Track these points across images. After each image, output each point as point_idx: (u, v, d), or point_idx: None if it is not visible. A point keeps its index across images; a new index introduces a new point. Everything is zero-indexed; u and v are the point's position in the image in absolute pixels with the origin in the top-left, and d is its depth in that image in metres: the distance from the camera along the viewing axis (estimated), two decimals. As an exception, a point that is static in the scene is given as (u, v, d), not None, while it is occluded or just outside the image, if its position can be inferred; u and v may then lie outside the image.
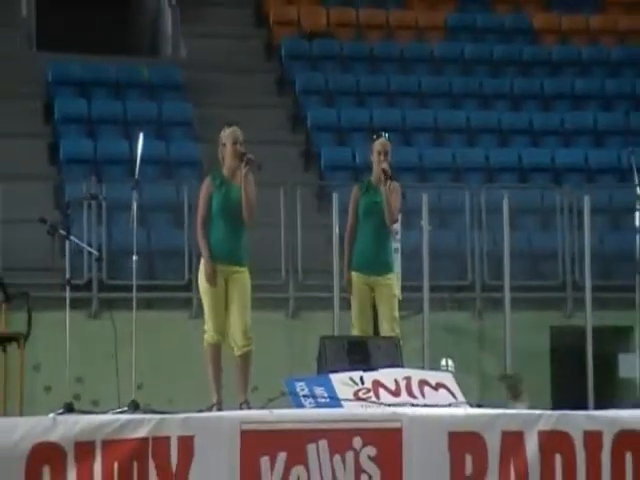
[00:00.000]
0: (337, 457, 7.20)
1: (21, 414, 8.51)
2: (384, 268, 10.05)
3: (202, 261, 9.29)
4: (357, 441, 7.24)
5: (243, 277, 9.33)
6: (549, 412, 7.80)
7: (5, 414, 8.62)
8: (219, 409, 8.61)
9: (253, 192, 9.34)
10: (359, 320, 9.83)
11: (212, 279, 9.15)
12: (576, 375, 14.70)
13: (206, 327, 9.22)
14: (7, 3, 20.24)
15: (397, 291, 10.28)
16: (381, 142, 10.08)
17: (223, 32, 20.70)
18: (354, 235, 10.02)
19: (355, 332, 9.78)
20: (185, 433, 7.06)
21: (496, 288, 15.39)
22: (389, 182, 9.91)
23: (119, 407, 7.92)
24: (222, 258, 9.25)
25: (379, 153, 10.02)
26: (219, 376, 9.17)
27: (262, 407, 8.07)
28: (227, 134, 9.42)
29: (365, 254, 9.92)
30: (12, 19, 20.14)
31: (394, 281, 10.22)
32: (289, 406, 7.73)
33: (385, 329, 9.77)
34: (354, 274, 9.91)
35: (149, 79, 19.44)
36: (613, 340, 14.98)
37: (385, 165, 9.94)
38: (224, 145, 9.41)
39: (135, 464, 6.96)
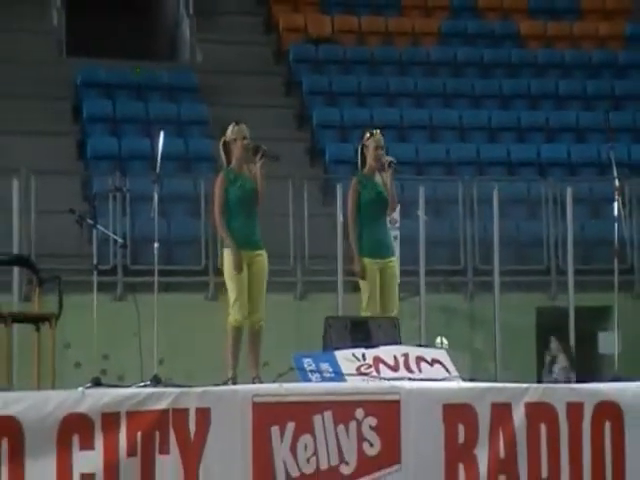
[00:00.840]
0: (341, 427, 7.21)
1: (53, 388, 8.52)
2: (391, 252, 10.06)
3: (226, 251, 9.27)
4: (359, 412, 7.25)
5: (263, 260, 9.33)
6: (535, 385, 7.81)
7: (38, 388, 8.63)
8: (234, 383, 8.62)
9: (264, 181, 9.38)
10: (371, 303, 9.72)
11: (240, 266, 9.14)
12: (560, 351, 14.71)
13: (231, 310, 9.18)
14: (39, 13, 20.24)
15: (397, 273, 10.29)
16: (378, 139, 10.08)
17: (236, 39, 20.68)
18: (359, 224, 10.00)
19: (366, 314, 9.69)
20: (202, 405, 7.07)
21: (486, 272, 15.43)
22: (390, 171, 9.94)
23: (142, 381, 7.93)
24: (244, 245, 9.25)
25: (377, 148, 10.02)
26: (238, 355, 9.18)
27: (272, 381, 8.07)
28: (236, 131, 9.41)
29: (375, 240, 9.89)
30: (44, 28, 20.15)
31: (396, 264, 10.23)
32: (297, 380, 7.73)
33: (388, 309, 9.75)
34: (367, 260, 9.84)
35: (168, 82, 19.49)
36: (593, 319, 14.97)
37: (391, 158, 9.96)
38: (234, 140, 9.39)
39: (157, 433, 6.97)
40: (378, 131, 10.19)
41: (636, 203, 14.41)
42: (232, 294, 9.21)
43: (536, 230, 16.26)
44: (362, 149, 10.08)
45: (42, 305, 9.54)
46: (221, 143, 9.50)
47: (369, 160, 10.04)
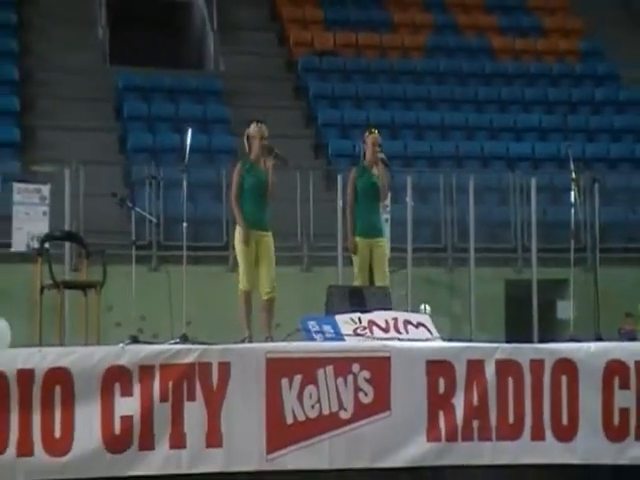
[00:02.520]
0: (340, 379, 7.20)
1: (98, 344, 8.52)
2: (379, 233, 10.03)
3: (238, 228, 9.27)
4: (355, 367, 7.24)
5: (269, 240, 9.30)
6: (504, 345, 7.80)
7: (86, 344, 8.64)
8: (250, 341, 8.61)
9: (275, 178, 9.35)
10: (361, 274, 9.76)
11: (247, 241, 9.12)
12: (524, 317, 14.72)
13: (240, 278, 9.18)
14: (86, 28, 20.23)
15: (387, 251, 10.28)
16: (375, 136, 10.05)
17: (253, 50, 20.66)
18: (354, 209, 9.98)
19: (357, 283, 9.74)
20: (223, 360, 7.07)
21: (463, 249, 15.43)
22: (386, 168, 9.92)
23: (173, 339, 7.92)
24: (253, 225, 9.23)
25: (374, 145, 9.99)
26: (249, 316, 9.15)
27: (283, 340, 8.09)
28: (256, 130, 9.37)
29: (367, 222, 9.87)
30: (90, 41, 20.12)
31: (385, 243, 10.21)
32: (303, 339, 7.71)
33: (379, 280, 9.75)
34: (358, 238, 9.85)
35: (195, 87, 19.52)
36: (552, 290, 14.96)
37: (383, 156, 9.93)
38: (254, 137, 9.36)
39: (185, 383, 6.97)
40: (376, 130, 10.17)
41: (589, 192, 14.35)
42: (241, 265, 9.19)
43: (505, 214, 16.26)
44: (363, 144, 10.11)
45: (89, 274, 9.57)
46: (245, 135, 9.48)
47: (367, 154, 10.02)
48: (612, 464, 7.53)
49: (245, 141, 9.44)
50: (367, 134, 10.11)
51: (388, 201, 12.15)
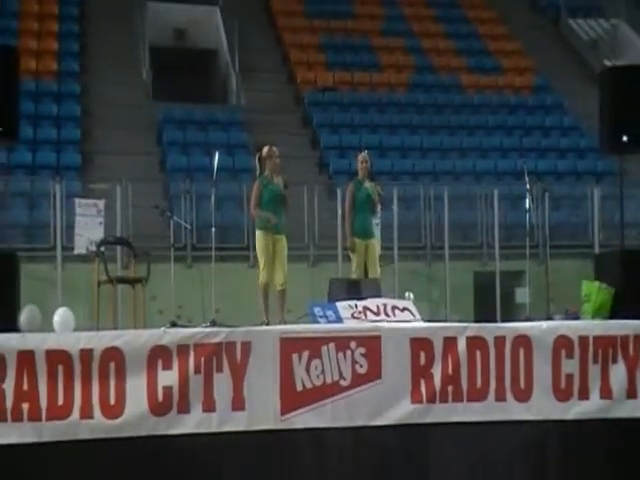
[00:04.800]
0: (340, 354, 7.17)
1: (144, 327, 8.52)
2: (372, 235, 10.02)
3: (258, 232, 9.24)
4: (353, 344, 7.21)
5: (283, 242, 9.30)
6: (473, 324, 7.77)
7: (135, 327, 8.64)
8: (267, 324, 8.60)
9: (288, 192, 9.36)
10: (358, 269, 9.77)
11: (267, 245, 9.15)
12: (489, 301, 14.71)
13: (260, 273, 9.18)
14: (133, 71, 20.25)
15: (378, 249, 10.26)
16: (362, 155, 10.07)
17: (268, 88, 20.68)
18: (353, 215, 9.96)
19: (354, 276, 9.72)
20: (245, 340, 7.04)
21: (439, 247, 15.44)
22: (379, 198, 9.90)
23: (204, 323, 7.92)
24: (271, 230, 9.22)
25: (361, 162, 10.01)
26: (267, 305, 9.16)
27: (293, 323, 8.08)
28: (270, 151, 9.36)
29: (362, 226, 9.87)
30: (137, 81, 20.14)
31: (377, 243, 10.19)
32: (310, 322, 7.71)
33: (371, 273, 9.73)
34: (356, 239, 9.84)
35: (221, 118, 19.52)
36: (512, 279, 14.94)
37: (379, 191, 9.93)
38: (269, 157, 9.32)
39: (214, 358, 6.95)
40: (365, 151, 10.17)
41: (540, 200, 14.32)
42: (261, 263, 9.21)
43: (473, 218, 16.22)
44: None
45: (136, 271, 9.57)
46: (257, 157, 9.46)
47: (359, 171, 10.04)
48: (559, 419, 7.52)
49: (257, 163, 9.43)
50: (357, 155, 10.15)
51: (379, 208, 12.15)
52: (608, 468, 7.53)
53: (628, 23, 24.69)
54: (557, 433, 7.53)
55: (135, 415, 6.77)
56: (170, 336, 6.95)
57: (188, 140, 18.54)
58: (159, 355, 6.85)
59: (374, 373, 7.23)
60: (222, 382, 6.94)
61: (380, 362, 7.24)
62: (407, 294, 9.03)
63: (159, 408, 6.82)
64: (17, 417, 6.61)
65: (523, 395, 7.48)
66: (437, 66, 22.38)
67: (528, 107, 21.44)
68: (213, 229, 9.19)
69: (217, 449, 6.91)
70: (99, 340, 6.84)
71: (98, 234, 12.11)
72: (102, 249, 9.56)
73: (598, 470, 7.53)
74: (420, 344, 7.34)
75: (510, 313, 14.09)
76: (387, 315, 7.78)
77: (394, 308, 7.90)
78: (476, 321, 8.68)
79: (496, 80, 22.06)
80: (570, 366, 7.57)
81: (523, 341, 7.55)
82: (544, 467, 7.50)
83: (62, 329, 7.21)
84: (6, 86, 7.96)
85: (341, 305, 7.78)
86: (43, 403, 6.65)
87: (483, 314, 13.56)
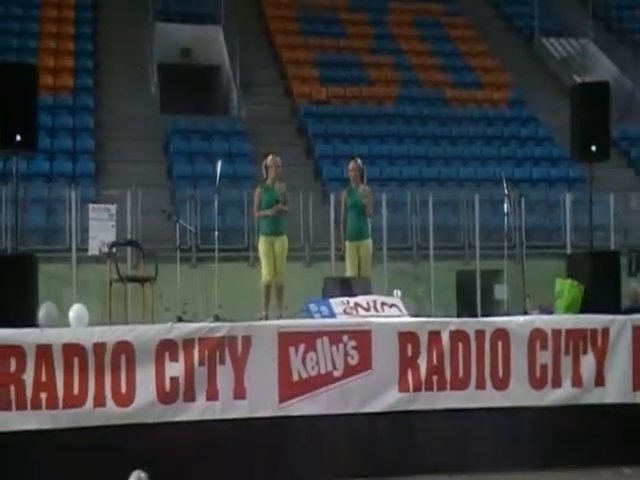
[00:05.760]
0: (334, 347, 7.20)
1: (152, 322, 8.50)
2: (365, 236, 9.99)
3: (261, 237, 9.23)
4: (345, 337, 7.24)
5: (284, 242, 9.30)
6: (455, 319, 7.81)
7: (143, 323, 8.60)
8: (266, 319, 8.60)
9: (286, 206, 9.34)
10: (351, 268, 9.74)
11: (269, 246, 9.13)
12: (470, 298, 14.61)
13: (262, 273, 9.16)
14: (142, 85, 20.19)
15: (369, 250, 10.22)
16: (352, 164, 10.06)
17: (266, 101, 20.60)
18: (345, 219, 9.94)
19: (348, 274, 9.69)
20: (246, 334, 7.06)
21: (425, 248, 15.35)
22: (368, 191, 9.88)
23: (208, 319, 7.91)
24: (272, 232, 9.22)
25: (351, 170, 10.00)
26: (268, 302, 9.15)
27: (290, 318, 8.07)
28: (273, 161, 9.36)
29: (355, 229, 9.84)
30: (146, 95, 20.05)
31: (370, 244, 10.17)
32: (306, 317, 7.71)
33: (363, 272, 9.71)
34: (348, 242, 9.80)
35: (223, 129, 19.47)
36: (491, 277, 14.77)
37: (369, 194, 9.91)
38: (271, 166, 9.33)
39: (217, 351, 6.97)
40: (354, 160, 10.16)
41: (517, 204, 14.29)
42: (263, 263, 9.21)
43: (456, 221, 16.16)
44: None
45: (145, 271, 9.53)
46: (263, 164, 9.46)
47: (350, 178, 10.04)
48: (534, 406, 7.53)
49: (263, 169, 9.44)
50: (348, 163, 10.16)
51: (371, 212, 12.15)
52: (578, 448, 7.56)
53: (596, 43, 24.72)
54: (532, 418, 7.55)
55: (144, 403, 6.78)
56: (176, 331, 6.96)
57: (193, 149, 18.47)
58: (166, 348, 6.86)
59: (365, 364, 7.24)
60: (225, 373, 6.95)
61: (370, 354, 7.26)
62: (395, 291, 9.02)
63: (166, 397, 6.83)
64: (36, 405, 6.63)
65: (501, 384, 7.50)
66: (422, 81, 22.34)
67: (505, 119, 21.42)
68: (216, 232, 9.17)
69: (220, 434, 6.90)
70: (111, 334, 6.86)
71: (110, 236, 12.03)
72: (114, 250, 9.50)
73: (569, 451, 7.55)
74: (407, 337, 7.36)
75: (489, 308, 13.93)
76: (377, 311, 7.78)
77: (383, 304, 7.91)
78: (458, 316, 8.69)
79: (476, 94, 22.03)
80: (544, 357, 7.60)
81: (501, 334, 7.58)
82: (520, 449, 7.52)
83: (77, 324, 7.20)
84: (26, 100, 7.97)
85: (334, 302, 7.78)
86: (60, 393, 6.66)
87: (465, 310, 13.51)
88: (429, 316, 8.73)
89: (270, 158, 9.38)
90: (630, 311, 9.31)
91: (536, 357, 7.57)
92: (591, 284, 8.63)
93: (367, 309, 7.76)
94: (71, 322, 7.23)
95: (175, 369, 6.84)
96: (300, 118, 20.51)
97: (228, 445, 6.93)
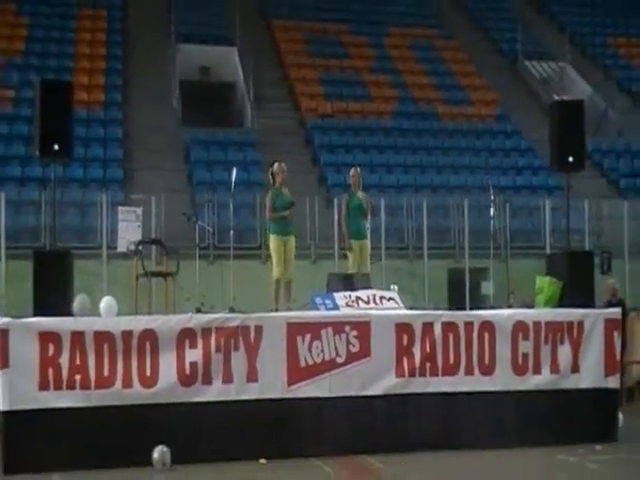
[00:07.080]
0: (337, 336, 7.20)
1: (174, 313, 8.52)
2: (365, 236, 9.97)
3: (272, 236, 9.21)
4: (347, 328, 7.24)
5: (293, 241, 9.28)
6: (447, 312, 7.79)
7: (166, 313, 8.63)
8: (276, 311, 8.60)
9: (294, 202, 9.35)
10: (354, 265, 9.71)
11: (280, 244, 9.13)
12: (460, 292, 14.67)
13: (274, 270, 9.12)
14: (166, 100, 20.19)
15: (369, 249, 10.21)
16: (352, 171, 10.03)
17: (276, 115, 20.60)
18: (347, 221, 9.93)
19: (351, 271, 9.65)
20: (258, 324, 7.06)
21: (419, 247, 15.39)
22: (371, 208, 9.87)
23: (224, 310, 7.92)
24: (283, 232, 9.21)
25: (352, 176, 9.99)
26: (278, 295, 9.14)
27: (297, 310, 8.08)
28: (280, 168, 9.35)
29: (356, 230, 9.80)
30: (168, 109, 20.08)
31: (368, 243, 10.16)
32: (312, 309, 7.71)
33: (363, 269, 9.70)
34: (352, 240, 9.80)
35: (238, 140, 19.46)
36: (479, 274, 14.89)
37: (372, 201, 9.91)
38: (278, 173, 9.32)
39: (232, 339, 6.98)
40: (354, 168, 10.14)
41: (502, 209, 14.31)
42: (274, 260, 9.18)
43: (447, 224, 16.18)
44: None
45: (168, 267, 9.55)
46: (270, 172, 9.45)
47: (351, 183, 10.03)
48: (517, 390, 7.54)
49: (270, 176, 9.42)
50: (349, 169, 10.16)
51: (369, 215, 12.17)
52: (555, 428, 7.57)
53: (573, 66, 24.73)
54: (515, 401, 7.55)
55: (167, 385, 6.80)
56: (195, 320, 6.97)
57: (211, 158, 18.49)
58: (186, 336, 6.87)
59: (365, 352, 7.24)
60: (239, 359, 6.96)
61: (370, 343, 7.25)
62: (392, 287, 9.01)
63: (186, 380, 6.84)
64: (71, 386, 6.66)
65: (487, 370, 7.50)
66: (417, 98, 22.33)
67: (492, 133, 21.39)
68: (231, 232, 9.19)
69: (234, 414, 6.91)
70: (137, 323, 6.87)
71: (137, 236, 12.07)
72: (140, 248, 9.54)
73: (547, 430, 7.56)
74: (403, 328, 7.35)
75: (477, 302, 14.04)
76: (376, 304, 7.77)
77: (382, 298, 7.89)
78: (449, 309, 8.68)
79: (466, 110, 22.01)
80: (526, 346, 7.60)
81: (488, 326, 7.56)
82: (504, 428, 7.52)
83: (107, 314, 7.22)
84: (63, 114, 8.06)
85: (337, 295, 7.77)
86: (92, 375, 6.69)
87: (455, 303, 13.53)
88: (423, 309, 8.72)
89: (276, 165, 9.37)
90: (610, 305, 9.35)
91: (518, 346, 7.57)
92: (568, 281, 8.65)
93: (367, 302, 7.74)
94: (102, 312, 7.25)
95: (194, 355, 6.85)
96: (307, 130, 20.52)
97: (241, 423, 6.94)
